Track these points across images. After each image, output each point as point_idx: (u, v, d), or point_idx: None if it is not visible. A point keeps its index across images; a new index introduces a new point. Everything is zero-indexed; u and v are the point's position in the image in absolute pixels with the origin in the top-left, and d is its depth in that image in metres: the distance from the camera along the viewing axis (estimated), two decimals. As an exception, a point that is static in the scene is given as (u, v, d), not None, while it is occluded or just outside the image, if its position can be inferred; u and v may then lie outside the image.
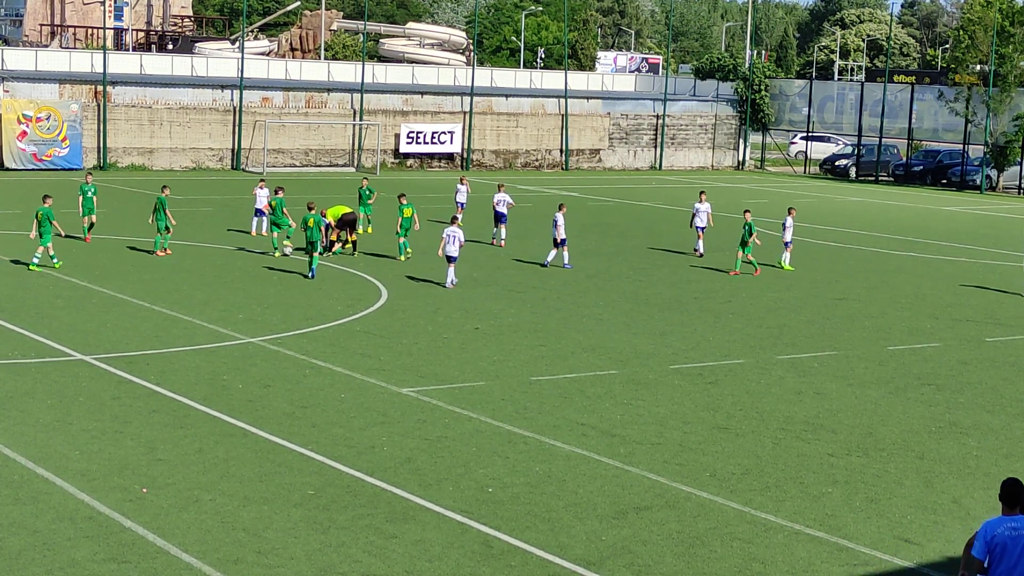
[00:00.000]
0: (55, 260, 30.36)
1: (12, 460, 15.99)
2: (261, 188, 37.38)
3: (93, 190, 35.09)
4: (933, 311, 29.60)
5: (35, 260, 30.15)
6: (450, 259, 29.80)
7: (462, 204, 40.71)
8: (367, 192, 38.01)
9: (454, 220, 30.83)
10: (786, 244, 35.55)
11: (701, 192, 38.21)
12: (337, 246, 34.20)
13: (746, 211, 33.97)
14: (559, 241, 33.54)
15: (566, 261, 33.58)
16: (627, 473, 16.48)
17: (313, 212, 30.96)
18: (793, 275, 34.14)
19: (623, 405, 19.87)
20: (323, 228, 32.31)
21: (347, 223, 34.53)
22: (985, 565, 10.24)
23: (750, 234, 33.15)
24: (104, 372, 20.63)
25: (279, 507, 14.68)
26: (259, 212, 37.18)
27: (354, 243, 34.50)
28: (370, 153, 63.67)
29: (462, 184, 41.44)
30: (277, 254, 33.41)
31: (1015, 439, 19.03)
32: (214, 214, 42.20)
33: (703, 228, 36.90)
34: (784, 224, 35.64)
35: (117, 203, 44.55)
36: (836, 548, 14.22)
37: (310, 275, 30.32)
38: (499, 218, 37.97)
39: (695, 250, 36.64)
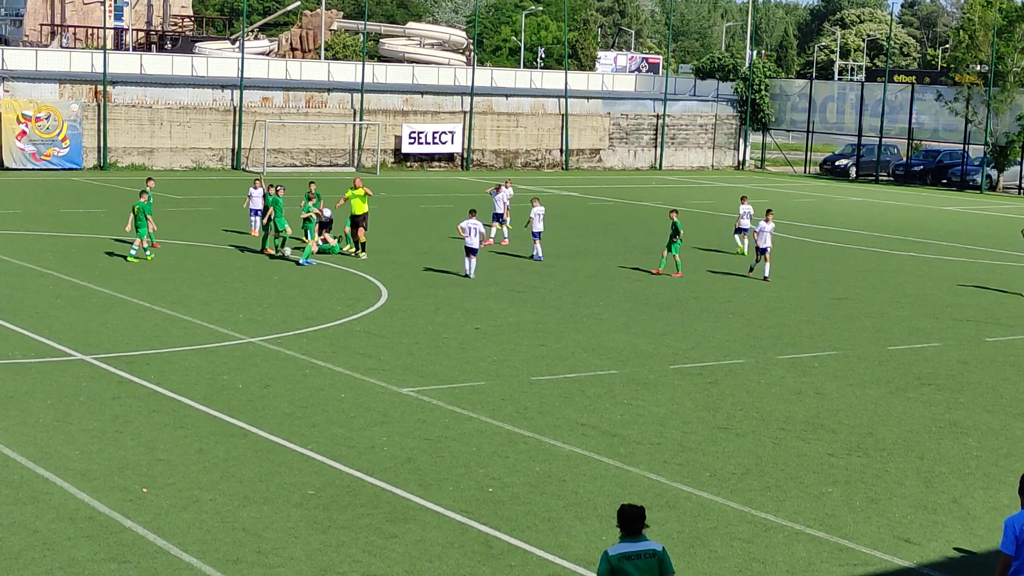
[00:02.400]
0: (148, 253, 31.91)
1: (12, 460, 15.99)
2: (257, 188, 36.95)
3: (150, 196, 33.84)
4: (933, 311, 29.60)
5: (132, 253, 31.64)
6: (470, 251, 30.90)
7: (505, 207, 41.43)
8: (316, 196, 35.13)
9: (472, 213, 31.68)
10: (743, 230, 37.59)
11: (768, 211, 34.26)
12: (347, 247, 34.34)
13: (672, 211, 33.65)
14: (534, 233, 34.81)
15: (538, 253, 34.63)
16: (627, 473, 16.49)
17: (311, 203, 31.59)
18: (793, 275, 34.14)
19: (623, 405, 19.87)
20: (309, 216, 32.41)
21: (358, 222, 34.53)
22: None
23: (675, 233, 32.72)
24: (104, 372, 20.64)
25: (279, 507, 14.68)
26: (255, 211, 36.91)
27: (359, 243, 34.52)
28: (370, 153, 63.69)
29: (506, 187, 41.77)
30: (277, 253, 33.39)
31: (1015, 439, 19.03)
32: (214, 214, 42.19)
33: (767, 249, 33.00)
34: (740, 213, 37.76)
35: (117, 203, 44.56)
36: (836, 548, 14.22)
37: (302, 263, 31.37)
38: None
39: (759, 275, 33.05)
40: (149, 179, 35.08)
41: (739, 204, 38.41)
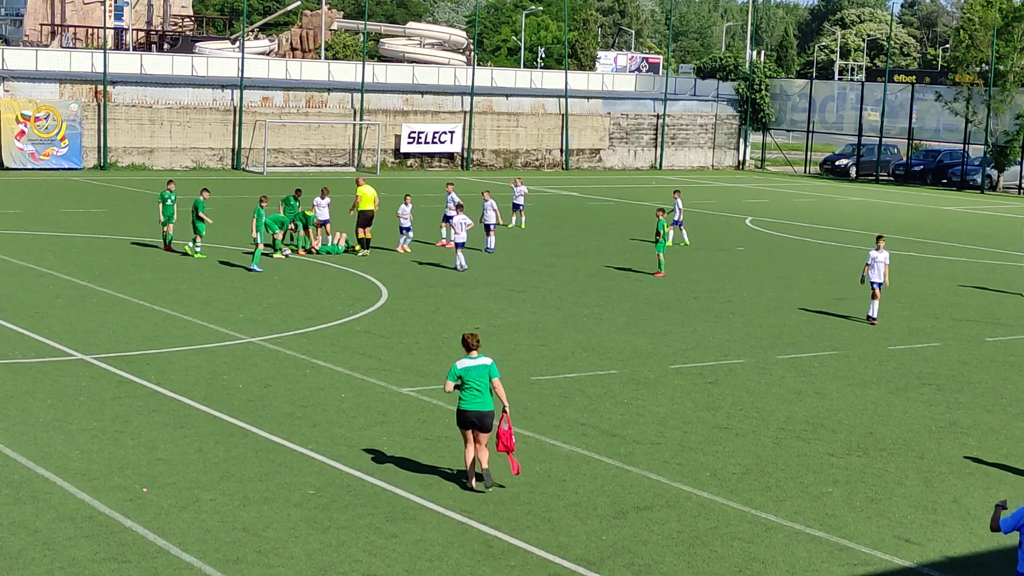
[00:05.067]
0: (197, 250, 32.86)
1: (12, 460, 15.99)
2: (324, 197, 35.12)
3: (173, 198, 33.75)
4: (933, 311, 29.60)
5: (197, 249, 32.92)
6: (460, 245, 32.17)
7: (519, 205, 41.73)
8: (295, 203, 34.61)
9: (460, 208, 33.30)
10: (678, 223, 39.06)
11: (879, 237, 28.20)
12: (357, 247, 34.62)
13: (659, 210, 33.71)
14: (489, 226, 35.77)
15: (491, 245, 35.74)
16: (627, 473, 16.49)
17: (263, 206, 31.56)
18: (793, 275, 34.16)
19: (623, 405, 19.87)
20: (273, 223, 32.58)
21: (367, 219, 34.64)
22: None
23: (657, 233, 32.91)
24: (104, 372, 20.64)
25: (279, 507, 14.68)
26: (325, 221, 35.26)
27: (365, 241, 34.66)
28: (370, 153, 63.69)
29: (517, 186, 42.11)
30: (277, 255, 33.39)
31: (1015, 439, 19.03)
32: (214, 214, 42.10)
33: (880, 285, 27.60)
34: (680, 207, 39.21)
35: (117, 203, 44.59)
36: (836, 548, 14.22)
37: (252, 269, 31.05)
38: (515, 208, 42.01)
39: (868, 317, 27.81)
40: (170, 181, 34.88)
41: (673, 198, 39.80)
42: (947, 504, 15.90)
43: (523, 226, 41.51)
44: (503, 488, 15.61)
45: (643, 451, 17.47)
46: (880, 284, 27.53)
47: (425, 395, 19.89)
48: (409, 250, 35.04)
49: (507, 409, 15.49)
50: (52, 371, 20.58)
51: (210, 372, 20.85)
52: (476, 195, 41.16)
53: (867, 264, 27.71)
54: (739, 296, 30.46)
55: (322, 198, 34.87)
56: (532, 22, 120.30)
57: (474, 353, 15.40)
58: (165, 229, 33.86)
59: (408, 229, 35.34)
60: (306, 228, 34.51)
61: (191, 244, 33.03)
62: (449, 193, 37.06)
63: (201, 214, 32.89)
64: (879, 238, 28.18)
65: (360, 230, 34.55)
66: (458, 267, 32.10)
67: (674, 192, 40.69)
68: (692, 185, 63.80)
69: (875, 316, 27.65)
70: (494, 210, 36.01)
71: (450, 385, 15.30)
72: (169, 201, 33.69)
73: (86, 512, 14.27)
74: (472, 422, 15.30)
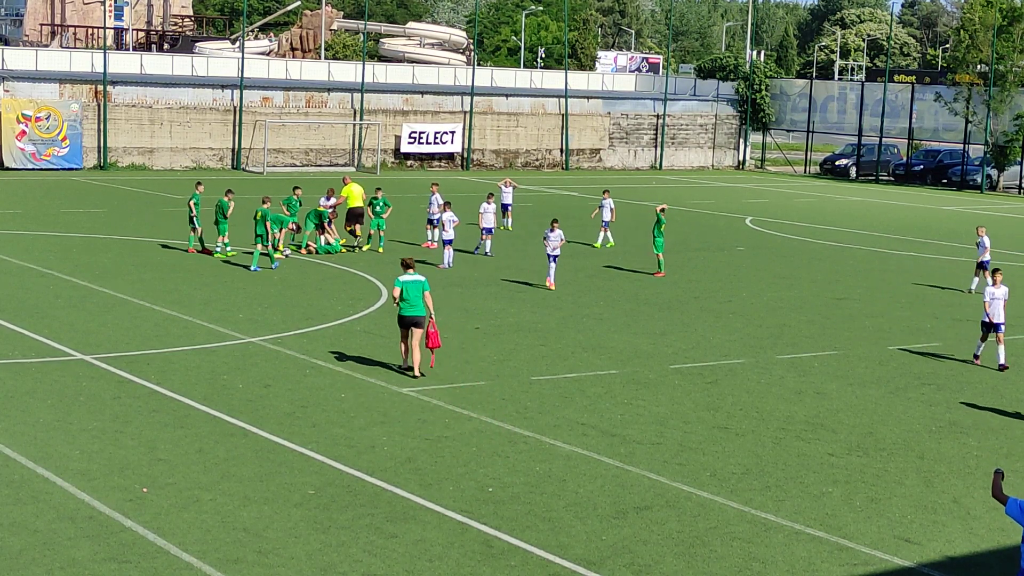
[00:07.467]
0: (228, 249, 33.17)
1: (12, 460, 15.99)
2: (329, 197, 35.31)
3: (198, 200, 33.57)
4: (933, 311, 29.60)
5: (220, 249, 33.22)
6: (448, 242, 32.85)
7: (508, 206, 41.67)
8: (296, 202, 34.61)
9: (447, 206, 33.74)
10: (605, 223, 38.33)
11: (996, 271, 24.04)
12: (341, 241, 34.77)
13: (661, 208, 33.67)
14: (485, 229, 35.74)
15: (487, 249, 35.56)
16: (627, 473, 16.49)
17: (266, 206, 31.44)
18: (793, 275, 34.16)
19: (623, 405, 19.88)
20: (271, 223, 32.62)
21: (356, 216, 34.79)
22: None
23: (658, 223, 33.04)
24: (104, 372, 20.64)
25: (279, 507, 14.68)
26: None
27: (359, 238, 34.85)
28: (370, 153, 63.69)
29: (506, 187, 42.15)
30: (277, 255, 33.36)
31: (1015, 439, 19.03)
32: (214, 214, 42.09)
33: (1000, 327, 23.53)
34: (604, 206, 38.39)
35: (118, 203, 44.59)
36: (836, 548, 14.22)
37: (253, 268, 31.05)
38: (505, 209, 41.24)
39: (991, 360, 23.96)
40: (198, 183, 34.74)
41: (602, 197, 39.14)
42: (947, 504, 15.91)
43: (510, 228, 41.28)
44: (502, 488, 15.63)
45: (643, 451, 17.48)
46: (1001, 326, 23.46)
47: (425, 395, 19.89)
48: (553, 287, 30.19)
49: (433, 316, 20.77)
50: (52, 371, 20.58)
51: (210, 372, 20.85)
52: (478, 196, 41.19)
53: (986, 302, 23.54)
54: (739, 296, 30.46)
55: (327, 199, 34.98)
56: (532, 22, 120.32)
57: (411, 271, 20.71)
58: (192, 232, 33.63)
59: (553, 259, 30.45)
60: (319, 226, 34.80)
61: (219, 246, 33.19)
62: (434, 194, 37.01)
63: (227, 214, 32.89)
64: (995, 271, 23.95)
65: (350, 227, 34.86)
66: (445, 264, 32.44)
67: (604, 192, 39.66)
68: (692, 185, 63.82)
69: (1005, 362, 23.52)
70: (492, 213, 35.89)
71: (396, 291, 20.58)
72: (195, 203, 33.59)
73: (86, 512, 14.28)
74: (409, 323, 20.64)
